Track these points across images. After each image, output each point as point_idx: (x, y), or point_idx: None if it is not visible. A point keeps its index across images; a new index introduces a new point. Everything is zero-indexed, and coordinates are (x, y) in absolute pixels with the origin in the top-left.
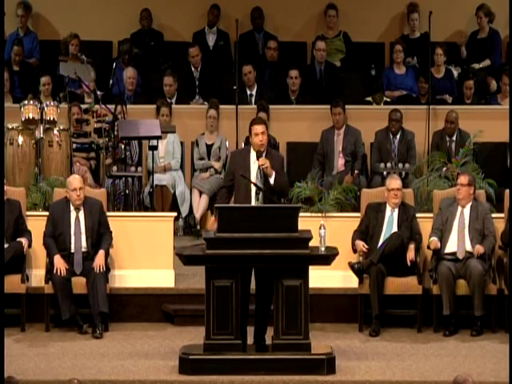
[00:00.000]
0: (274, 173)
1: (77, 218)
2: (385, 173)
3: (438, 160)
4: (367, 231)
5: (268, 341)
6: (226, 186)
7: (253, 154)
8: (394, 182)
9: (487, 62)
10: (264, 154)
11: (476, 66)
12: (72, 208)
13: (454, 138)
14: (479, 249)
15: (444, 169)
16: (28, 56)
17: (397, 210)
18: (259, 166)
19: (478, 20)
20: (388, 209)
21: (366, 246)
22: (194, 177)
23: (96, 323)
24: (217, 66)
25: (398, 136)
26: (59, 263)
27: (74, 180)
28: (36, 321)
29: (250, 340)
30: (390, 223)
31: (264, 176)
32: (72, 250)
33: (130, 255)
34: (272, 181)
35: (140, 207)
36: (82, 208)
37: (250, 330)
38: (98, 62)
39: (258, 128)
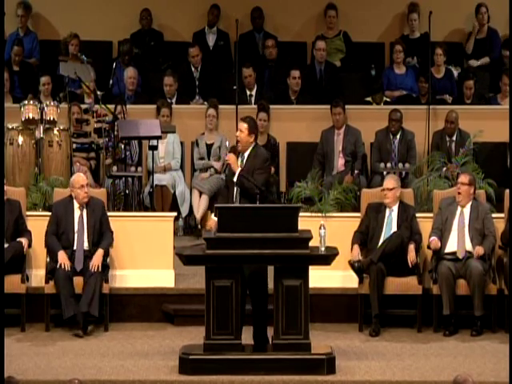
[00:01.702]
0: (238, 170)
1: (80, 216)
2: (385, 173)
3: (437, 160)
4: (367, 231)
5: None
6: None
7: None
8: (387, 182)
9: (486, 60)
10: (247, 154)
11: (474, 63)
12: (76, 206)
13: (454, 138)
14: (479, 250)
15: (444, 169)
16: (28, 56)
17: (396, 210)
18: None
19: (479, 16)
20: (387, 209)
21: (359, 257)
22: (194, 177)
23: (79, 321)
24: (217, 66)
25: (397, 136)
26: (63, 259)
27: (79, 178)
28: (36, 321)
29: (248, 339)
30: (390, 223)
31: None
32: (74, 248)
33: (130, 255)
34: (235, 178)
35: (140, 207)
36: (85, 206)
37: (246, 330)
38: (98, 62)
39: (239, 125)
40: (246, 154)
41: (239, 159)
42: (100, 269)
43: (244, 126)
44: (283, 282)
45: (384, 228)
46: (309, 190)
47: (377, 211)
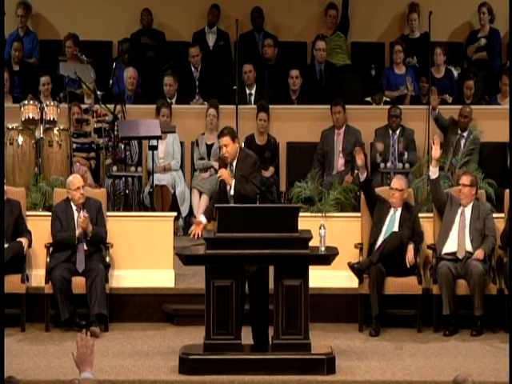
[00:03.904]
0: (232, 182)
1: (78, 217)
2: (382, 165)
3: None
4: (373, 228)
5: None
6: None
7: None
8: (396, 182)
9: (483, 54)
10: (235, 163)
11: (473, 56)
12: (74, 208)
13: (465, 134)
14: (479, 254)
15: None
16: (28, 56)
17: (400, 210)
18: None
19: (480, 16)
20: (392, 208)
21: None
22: (194, 177)
23: (92, 323)
24: (217, 66)
25: (397, 132)
26: (80, 227)
27: (75, 179)
28: (36, 321)
29: (248, 339)
30: (392, 222)
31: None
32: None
33: (129, 255)
34: (232, 191)
35: (140, 207)
36: (83, 208)
37: (245, 330)
38: (98, 62)
39: (221, 141)
40: (234, 162)
41: (228, 169)
42: (87, 216)
43: (226, 138)
44: (283, 282)
45: (385, 227)
46: (309, 189)
47: (383, 207)
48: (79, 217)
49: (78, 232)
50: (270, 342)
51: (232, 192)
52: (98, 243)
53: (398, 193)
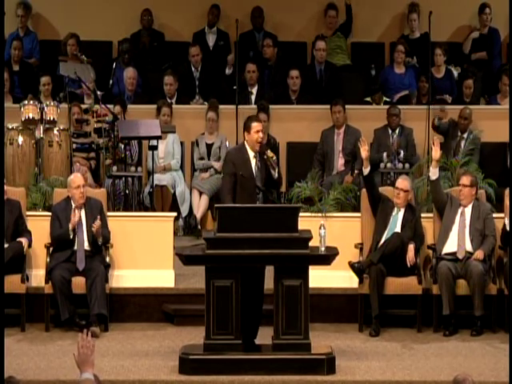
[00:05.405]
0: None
1: (79, 216)
2: (382, 165)
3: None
4: (378, 227)
5: (267, 341)
6: (229, 189)
7: (250, 152)
8: (400, 182)
9: (483, 54)
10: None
11: (472, 56)
12: (74, 207)
13: (465, 136)
14: (479, 254)
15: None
16: (28, 56)
17: (402, 211)
18: (257, 163)
19: (480, 16)
20: (395, 208)
21: (366, 148)
22: (194, 177)
23: (92, 323)
24: (217, 66)
25: (397, 131)
26: (73, 221)
27: (76, 178)
28: (36, 321)
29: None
30: (394, 223)
31: (266, 169)
32: (75, 248)
33: (129, 255)
34: (276, 174)
35: (140, 207)
36: (83, 207)
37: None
38: (98, 62)
39: (259, 126)
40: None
41: (257, 159)
42: (100, 225)
43: (262, 125)
44: (283, 282)
45: (388, 227)
46: (309, 189)
47: (386, 206)
48: (74, 216)
49: (70, 226)
50: (270, 342)
51: (276, 174)
52: (101, 244)
53: (402, 193)
